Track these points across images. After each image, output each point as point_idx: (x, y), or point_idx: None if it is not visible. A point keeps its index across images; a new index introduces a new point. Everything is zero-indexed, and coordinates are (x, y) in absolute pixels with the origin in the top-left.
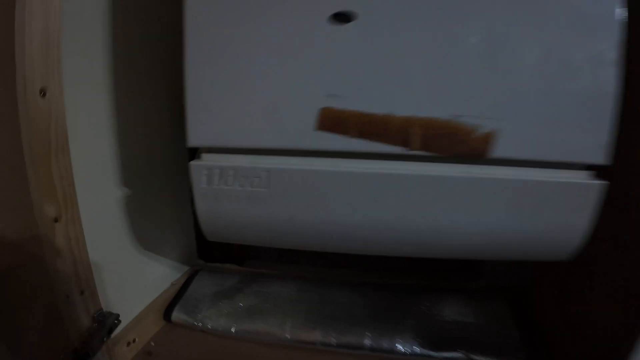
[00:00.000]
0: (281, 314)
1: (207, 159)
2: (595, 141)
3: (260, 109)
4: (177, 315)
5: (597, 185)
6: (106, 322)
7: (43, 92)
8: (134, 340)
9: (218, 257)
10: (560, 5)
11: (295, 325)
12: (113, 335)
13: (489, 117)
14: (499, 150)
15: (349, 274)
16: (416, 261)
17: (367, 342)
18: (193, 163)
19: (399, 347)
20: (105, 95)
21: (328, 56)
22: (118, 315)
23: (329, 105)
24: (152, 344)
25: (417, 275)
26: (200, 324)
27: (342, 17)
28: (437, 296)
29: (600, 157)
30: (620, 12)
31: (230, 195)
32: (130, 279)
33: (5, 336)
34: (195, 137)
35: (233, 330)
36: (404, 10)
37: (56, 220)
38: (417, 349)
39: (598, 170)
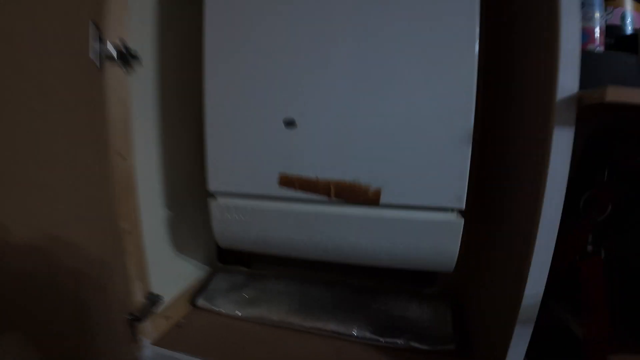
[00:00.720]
0: (272, 303)
1: (219, 199)
2: (454, 193)
3: (248, 173)
4: (200, 301)
5: (459, 222)
6: (153, 299)
7: (122, 156)
8: (170, 317)
9: (232, 261)
10: (416, 96)
11: (281, 312)
12: (156, 310)
13: (376, 180)
14: (385, 199)
15: (327, 276)
16: (381, 268)
17: (331, 326)
18: (212, 202)
19: (354, 332)
20: (157, 152)
21: (284, 147)
22: (161, 296)
23: (284, 172)
24: (182, 320)
25: (381, 280)
26: (216, 308)
27: (289, 123)
28: (392, 296)
29: (459, 204)
30: (471, 101)
31: (231, 221)
32: (170, 273)
33: (99, 301)
34: (212, 185)
35: (238, 313)
36: (323, 122)
37: (128, 232)
38: (368, 334)
39: (462, 212)
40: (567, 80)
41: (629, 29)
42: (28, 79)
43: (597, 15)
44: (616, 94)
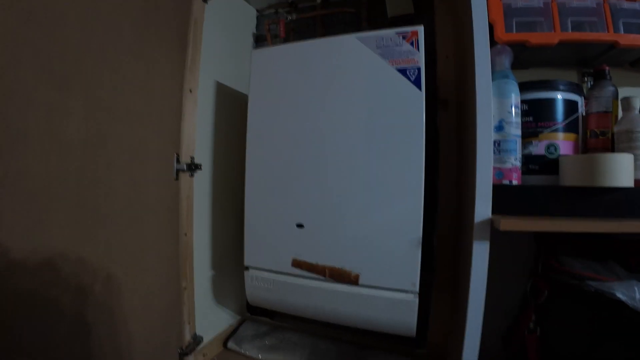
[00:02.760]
0: (287, 352)
1: (251, 270)
2: (410, 280)
3: (272, 256)
4: (230, 344)
5: (414, 300)
6: (197, 339)
7: (186, 234)
8: (206, 354)
9: (258, 312)
10: (383, 214)
11: (294, 358)
12: (198, 348)
13: (356, 267)
14: (363, 281)
15: (335, 333)
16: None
17: None
18: (246, 272)
19: None
20: (208, 231)
21: (296, 241)
22: (202, 337)
23: (295, 257)
24: (215, 358)
25: (380, 340)
26: (242, 351)
27: (299, 225)
28: (387, 353)
29: (414, 288)
30: (419, 218)
31: (260, 287)
32: (210, 319)
33: (159, 337)
34: (247, 261)
35: (260, 357)
36: (322, 227)
37: (185, 288)
38: None
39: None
40: (482, 208)
41: (554, 155)
42: (135, 196)
43: (512, 158)
44: (508, 224)
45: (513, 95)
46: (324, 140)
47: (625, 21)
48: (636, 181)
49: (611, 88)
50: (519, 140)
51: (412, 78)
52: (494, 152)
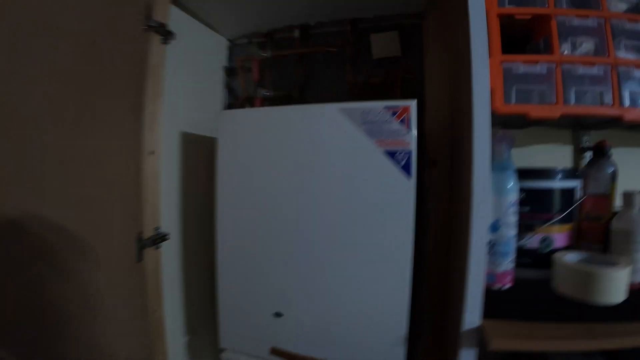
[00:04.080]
0: None
1: (227, 353)
2: None
3: (249, 341)
4: None
5: None
6: None
7: (155, 311)
8: None
9: None
10: (363, 309)
11: None
12: None
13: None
14: None
15: None
16: None
17: None
18: (221, 354)
19: None
20: (179, 310)
21: (275, 328)
22: None
23: (275, 346)
24: None
25: None
26: None
27: (278, 314)
28: None
29: None
30: (404, 313)
31: None
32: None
33: None
34: (223, 343)
35: None
36: (302, 317)
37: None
38: None
39: None
40: (471, 316)
41: (547, 249)
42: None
43: (507, 261)
44: (500, 343)
45: (512, 193)
46: (301, 220)
47: (633, 90)
48: (633, 284)
49: (611, 168)
50: (514, 240)
51: (402, 163)
52: (487, 254)
